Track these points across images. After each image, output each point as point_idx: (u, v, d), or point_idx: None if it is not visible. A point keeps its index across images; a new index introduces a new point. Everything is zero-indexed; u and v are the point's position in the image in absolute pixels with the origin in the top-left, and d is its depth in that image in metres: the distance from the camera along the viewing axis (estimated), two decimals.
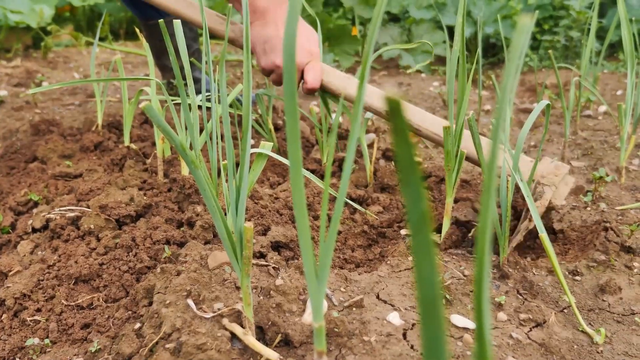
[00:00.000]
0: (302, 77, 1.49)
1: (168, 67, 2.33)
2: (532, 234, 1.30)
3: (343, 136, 1.91)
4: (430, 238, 0.30)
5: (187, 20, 1.61)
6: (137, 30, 1.50)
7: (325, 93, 1.53)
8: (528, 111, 2.50)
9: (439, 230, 1.30)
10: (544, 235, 1.00)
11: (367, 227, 1.34)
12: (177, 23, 0.99)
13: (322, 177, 1.64)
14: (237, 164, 0.91)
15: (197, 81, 2.27)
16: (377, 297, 1.03)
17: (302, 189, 0.52)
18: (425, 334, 0.32)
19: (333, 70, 1.51)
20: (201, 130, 1.70)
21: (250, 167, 1.03)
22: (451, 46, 1.18)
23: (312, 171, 1.66)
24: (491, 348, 0.34)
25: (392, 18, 4.06)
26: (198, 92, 2.04)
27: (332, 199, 1.44)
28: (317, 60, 1.50)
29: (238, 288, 0.98)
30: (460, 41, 1.15)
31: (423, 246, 0.30)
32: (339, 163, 1.70)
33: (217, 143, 1.09)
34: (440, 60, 3.75)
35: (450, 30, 1.31)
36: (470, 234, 1.29)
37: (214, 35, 1.61)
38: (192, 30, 2.30)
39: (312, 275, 0.57)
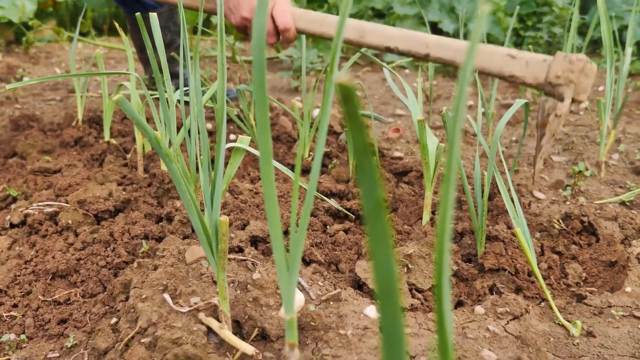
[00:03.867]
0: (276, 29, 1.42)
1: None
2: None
3: (329, 132, 1.91)
4: (386, 225, 0.29)
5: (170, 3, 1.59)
6: (117, 25, 1.49)
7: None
8: (510, 107, 2.51)
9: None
10: (518, 230, 1.00)
11: (347, 222, 1.34)
12: (153, 16, 0.99)
13: (304, 172, 1.64)
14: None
15: (178, 76, 2.26)
16: (355, 290, 1.03)
17: (272, 180, 0.52)
18: (384, 321, 0.32)
19: (305, 12, 1.44)
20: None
21: (228, 162, 1.02)
22: None
23: (293, 166, 1.66)
24: (451, 333, 0.34)
25: (377, 14, 4.06)
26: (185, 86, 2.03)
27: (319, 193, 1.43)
28: (283, 3, 1.42)
29: (215, 282, 0.98)
30: None
31: (378, 234, 0.29)
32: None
33: (197, 138, 1.09)
34: None
35: (434, 26, 1.32)
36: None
37: (190, 8, 1.57)
38: (177, 24, 2.28)
39: (282, 267, 0.57)
